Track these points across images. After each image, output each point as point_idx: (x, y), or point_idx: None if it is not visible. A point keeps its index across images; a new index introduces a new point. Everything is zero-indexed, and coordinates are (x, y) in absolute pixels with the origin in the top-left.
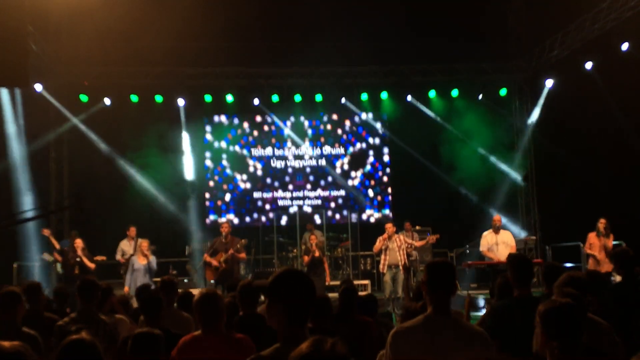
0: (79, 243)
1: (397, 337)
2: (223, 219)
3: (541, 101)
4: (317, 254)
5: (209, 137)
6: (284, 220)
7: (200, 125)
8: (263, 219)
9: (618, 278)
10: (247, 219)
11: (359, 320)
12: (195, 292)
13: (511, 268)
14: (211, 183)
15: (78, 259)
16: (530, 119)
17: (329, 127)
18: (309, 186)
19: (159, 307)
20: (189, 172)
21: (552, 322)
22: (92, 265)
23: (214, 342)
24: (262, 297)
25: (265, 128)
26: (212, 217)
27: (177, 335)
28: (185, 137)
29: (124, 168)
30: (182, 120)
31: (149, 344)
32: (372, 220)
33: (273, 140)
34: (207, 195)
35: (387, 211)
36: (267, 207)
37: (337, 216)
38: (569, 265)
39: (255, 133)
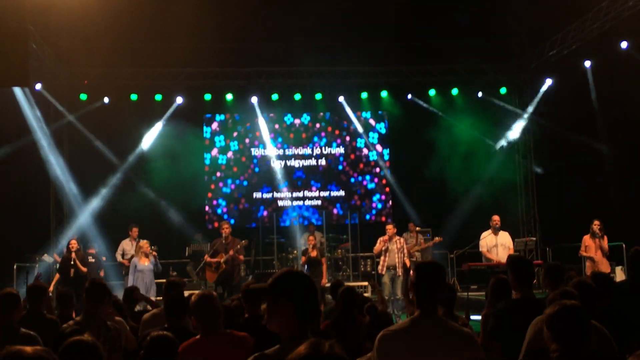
0: (73, 244)
1: (384, 340)
2: (223, 220)
3: (537, 98)
4: (313, 254)
5: (208, 136)
6: (283, 220)
7: (199, 125)
8: (263, 219)
9: (619, 278)
10: (247, 219)
11: (360, 321)
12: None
13: (511, 270)
14: (211, 183)
15: (72, 262)
16: (530, 119)
17: (329, 126)
18: (308, 186)
19: (183, 306)
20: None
21: (559, 325)
22: (83, 269)
23: (214, 343)
24: None
25: (265, 128)
26: (212, 217)
27: (194, 335)
28: (186, 138)
29: (124, 168)
30: (182, 120)
31: (165, 347)
32: (372, 221)
33: (273, 140)
34: (207, 195)
35: (387, 212)
36: (267, 207)
37: (337, 217)
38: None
39: (255, 133)
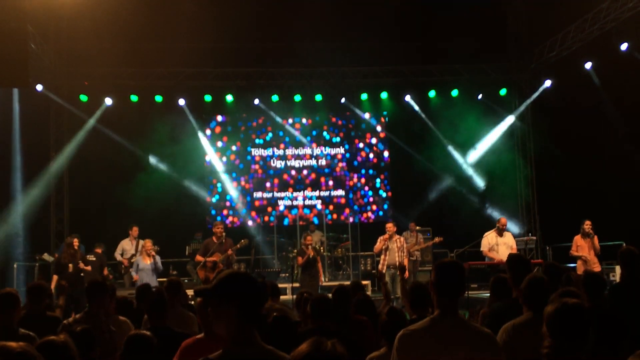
0: (76, 244)
1: (404, 340)
2: (216, 221)
3: (534, 96)
4: (311, 254)
5: (208, 137)
6: (284, 220)
7: (200, 126)
8: (263, 219)
9: (617, 277)
10: (247, 219)
11: (354, 319)
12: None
13: (510, 269)
14: (211, 183)
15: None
16: (529, 119)
17: (328, 127)
18: (309, 186)
19: (164, 307)
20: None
21: (558, 322)
22: (87, 268)
23: (216, 343)
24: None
25: (265, 128)
26: (212, 217)
27: (181, 334)
28: (186, 138)
29: (125, 168)
30: (182, 121)
31: (142, 346)
32: (372, 220)
33: (273, 141)
34: (207, 195)
35: (387, 211)
36: (267, 207)
37: (337, 216)
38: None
39: (255, 133)
